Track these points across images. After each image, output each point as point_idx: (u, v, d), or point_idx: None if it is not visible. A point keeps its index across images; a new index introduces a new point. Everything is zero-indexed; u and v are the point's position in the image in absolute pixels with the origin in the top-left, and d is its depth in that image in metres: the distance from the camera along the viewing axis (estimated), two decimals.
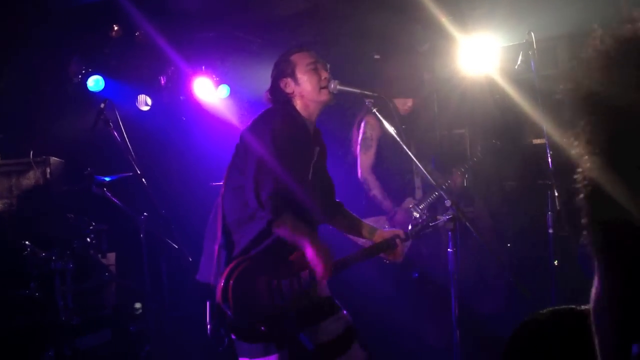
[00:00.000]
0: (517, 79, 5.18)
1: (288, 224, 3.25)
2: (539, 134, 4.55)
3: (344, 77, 3.61)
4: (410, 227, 3.72)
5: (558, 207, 4.23)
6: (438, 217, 3.68)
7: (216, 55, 6.92)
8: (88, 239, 5.20)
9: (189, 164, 6.71)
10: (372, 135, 5.16)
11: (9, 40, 6.08)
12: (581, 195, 0.85)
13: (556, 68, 6.04)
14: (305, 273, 3.32)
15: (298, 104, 3.56)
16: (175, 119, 7.10)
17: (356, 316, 3.67)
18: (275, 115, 3.50)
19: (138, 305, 5.54)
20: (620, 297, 0.81)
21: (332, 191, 3.86)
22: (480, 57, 5.63)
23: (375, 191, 5.12)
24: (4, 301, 4.74)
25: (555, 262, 4.28)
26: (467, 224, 3.42)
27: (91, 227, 5.27)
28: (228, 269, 3.23)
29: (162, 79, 6.93)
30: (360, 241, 4.39)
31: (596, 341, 0.85)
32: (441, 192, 3.58)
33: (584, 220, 0.86)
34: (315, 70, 3.54)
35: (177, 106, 7.11)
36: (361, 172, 5.17)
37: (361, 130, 5.23)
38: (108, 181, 5.19)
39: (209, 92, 6.87)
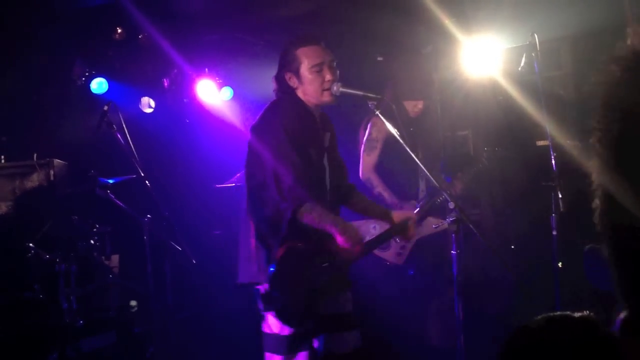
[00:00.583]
0: (521, 81, 5.18)
1: (313, 212, 3.30)
2: (543, 135, 4.54)
3: (347, 79, 3.61)
4: (418, 206, 3.75)
5: (562, 209, 4.22)
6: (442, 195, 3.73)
7: (219, 58, 6.93)
8: (92, 241, 5.21)
9: (192, 166, 6.72)
10: (377, 136, 5.14)
11: (13, 43, 6.09)
12: (595, 200, 0.85)
13: (559, 70, 6.04)
14: (339, 256, 3.38)
15: (301, 97, 3.59)
16: (178, 121, 7.11)
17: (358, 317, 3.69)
18: (281, 107, 3.55)
19: (134, 303, 5.55)
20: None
21: (345, 174, 3.89)
22: (484, 58, 5.62)
23: (379, 188, 5.10)
24: (8, 303, 4.75)
25: (560, 264, 4.28)
26: (471, 226, 3.41)
27: (95, 229, 5.28)
28: (273, 259, 3.32)
29: (165, 81, 6.94)
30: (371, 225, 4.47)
31: None
32: (445, 195, 3.57)
33: (597, 222, 0.86)
34: (320, 73, 3.53)
35: (180, 108, 7.12)
36: (363, 172, 5.15)
37: (367, 131, 5.22)
38: (112, 183, 5.19)
39: (212, 94, 6.88)
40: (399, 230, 3.76)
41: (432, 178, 3.55)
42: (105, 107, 5.10)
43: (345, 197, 3.87)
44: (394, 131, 3.52)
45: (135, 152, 5.11)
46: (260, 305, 3.45)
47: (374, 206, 3.97)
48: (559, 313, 1.12)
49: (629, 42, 0.88)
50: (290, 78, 3.57)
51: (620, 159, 0.81)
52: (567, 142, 4.49)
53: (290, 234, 3.35)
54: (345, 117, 5.40)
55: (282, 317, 3.32)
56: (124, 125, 5.15)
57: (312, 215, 3.30)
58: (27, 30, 6.08)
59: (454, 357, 3.49)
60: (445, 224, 5.05)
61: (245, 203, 3.66)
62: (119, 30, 6.38)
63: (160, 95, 6.98)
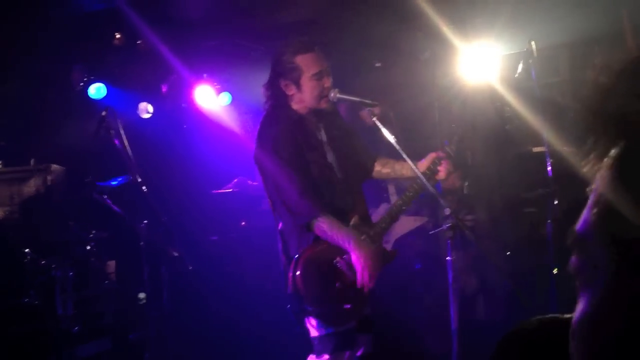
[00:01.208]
0: (518, 87, 5.18)
1: (325, 227, 3.33)
2: (539, 142, 4.55)
3: (345, 85, 3.61)
4: (446, 143, 3.69)
5: (558, 216, 4.22)
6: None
7: (218, 63, 6.93)
8: (88, 247, 5.21)
9: (190, 172, 6.72)
10: None
11: (12, 48, 6.10)
12: (594, 210, 0.84)
13: (556, 76, 6.05)
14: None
15: (294, 104, 3.58)
16: (176, 127, 7.11)
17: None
18: (270, 124, 3.56)
19: (142, 295, 5.54)
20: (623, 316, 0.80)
21: (363, 150, 3.87)
22: (481, 65, 5.63)
23: None
24: (4, 309, 4.73)
25: (555, 271, 4.28)
26: (467, 232, 3.41)
27: (92, 235, 5.28)
28: (292, 264, 3.36)
29: (163, 86, 6.94)
30: None
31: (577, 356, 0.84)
32: (441, 202, 3.57)
33: (594, 233, 0.85)
34: (320, 80, 3.53)
35: (178, 114, 7.13)
36: None
37: None
38: (109, 189, 5.18)
39: (210, 99, 6.88)
40: (430, 175, 3.60)
41: (428, 185, 3.53)
42: (104, 113, 5.10)
43: (371, 170, 3.86)
44: (390, 137, 3.52)
45: (133, 158, 5.11)
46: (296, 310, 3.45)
47: (401, 165, 3.78)
48: (551, 315, 1.12)
49: (627, 49, 0.88)
50: (286, 86, 3.54)
51: (622, 170, 0.80)
52: (564, 149, 4.49)
53: (307, 243, 3.41)
54: None
55: (321, 319, 3.36)
56: (122, 131, 5.15)
57: (324, 230, 3.33)
58: (25, 35, 6.08)
59: None
60: (423, 219, 5.06)
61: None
62: (118, 36, 6.39)
63: (158, 101, 6.98)
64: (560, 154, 4.41)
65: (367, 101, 3.59)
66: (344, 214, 3.48)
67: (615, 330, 0.80)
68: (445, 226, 3.50)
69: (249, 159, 3.71)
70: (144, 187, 5.10)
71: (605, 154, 0.83)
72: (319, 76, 3.52)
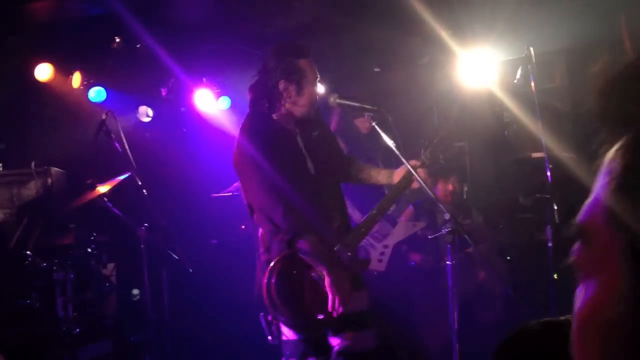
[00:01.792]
0: (516, 93, 5.21)
1: (306, 247, 3.28)
2: (538, 147, 4.57)
3: (343, 89, 3.62)
4: (422, 153, 3.66)
5: (557, 221, 4.24)
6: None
7: (217, 67, 6.94)
8: (89, 250, 5.22)
9: (189, 175, 6.73)
10: None
11: (11, 51, 6.11)
12: (600, 199, 0.85)
13: (555, 82, 6.08)
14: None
15: (284, 107, 3.49)
16: (176, 130, 7.12)
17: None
18: (251, 131, 3.47)
19: (136, 292, 5.54)
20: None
21: (339, 154, 3.84)
22: (480, 70, 5.66)
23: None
24: (4, 312, 4.75)
25: (555, 276, 4.30)
26: (467, 237, 3.44)
27: (92, 238, 5.28)
28: (267, 271, 3.30)
29: (163, 90, 6.95)
30: None
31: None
32: (441, 206, 3.59)
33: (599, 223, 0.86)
34: (316, 87, 3.51)
35: (178, 117, 7.14)
36: None
37: None
38: (108, 192, 5.19)
39: (209, 103, 6.89)
40: (404, 185, 3.58)
41: (427, 189, 3.55)
42: (104, 116, 5.12)
43: (349, 175, 3.81)
44: (390, 143, 3.52)
45: (133, 161, 5.13)
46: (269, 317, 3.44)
47: (377, 172, 3.80)
48: (552, 318, 1.13)
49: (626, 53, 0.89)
50: (286, 88, 3.43)
51: (627, 176, 0.81)
52: (563, 154, 4.52)
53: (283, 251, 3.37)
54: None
55: (289, 326, 3.35)
56: (122, 134, 5.17)
57: (305, 250, 3.28)
58: (25, 38, 6.10)
59: None
60: (421, 224, 5.07)
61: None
62: (117, 40, 6.40)
63: (158, 104, 7.00)
64: (559, 160, 4.44)
65: (367, 106, 3.59)
66: (324, 220, 3.44)
67: (620, 315, 0.80)
68: (444, 230, 3.53)
69: None
70: (144, 191, 5.12)
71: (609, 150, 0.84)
72: (316, 82, 3.51)
